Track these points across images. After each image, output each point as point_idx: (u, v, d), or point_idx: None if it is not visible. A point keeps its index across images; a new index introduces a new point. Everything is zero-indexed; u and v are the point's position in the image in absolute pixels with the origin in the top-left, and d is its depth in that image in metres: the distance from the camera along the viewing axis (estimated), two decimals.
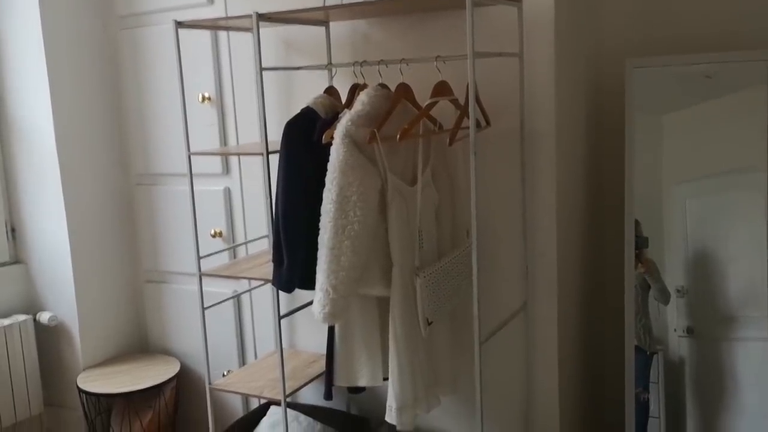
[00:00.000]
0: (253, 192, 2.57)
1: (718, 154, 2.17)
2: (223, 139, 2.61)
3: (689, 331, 2.19)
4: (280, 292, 2.01)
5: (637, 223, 2.21)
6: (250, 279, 2.19)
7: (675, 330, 2.21)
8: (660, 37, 2.33)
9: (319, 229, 1.80)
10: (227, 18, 2.28)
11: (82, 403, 2.66)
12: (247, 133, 2.55)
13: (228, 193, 2.64)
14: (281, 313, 2.07)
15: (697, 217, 2.19)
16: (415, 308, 1.85)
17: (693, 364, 2.19)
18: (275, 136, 1.97)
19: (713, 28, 2.25)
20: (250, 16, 1.92)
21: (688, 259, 2.20)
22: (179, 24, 2.08)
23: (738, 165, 2.14)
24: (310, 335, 2.51)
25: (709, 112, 2.17)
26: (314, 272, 1.83)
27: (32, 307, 2.82)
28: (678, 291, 2.21)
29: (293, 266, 1.92)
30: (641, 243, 2.22)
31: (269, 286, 2.06)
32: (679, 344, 2.20)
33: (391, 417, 1.89)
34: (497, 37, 1.99)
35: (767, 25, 2.18)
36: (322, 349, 2.14)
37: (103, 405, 2.69)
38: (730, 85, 2.13)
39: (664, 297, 2.22)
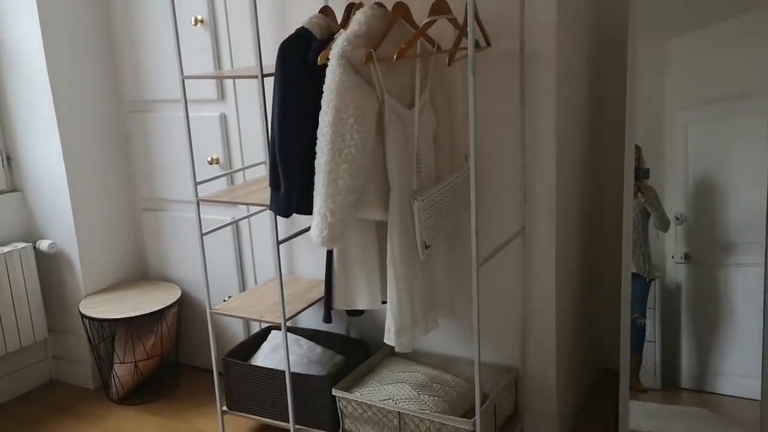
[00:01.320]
0: (250, 117, 2.54)
1: (721, 79, 2.12)
2: (218, 63, 2.56)
3: (687, 257, 2.20)
4: (278, 217, 2.01)
5: (638, 149, 2.18)
6: (247, 204, 2.18)
7: (672, 257, 2.22)
8: None
9: (316, 153, 1.78)
10: None
11: (86, 329, 2.70)
12: (242, 57, 2.49)
13: (224, 118, 2.60)
14: (280, 239, 2.07)
15: (698, 144, 2.17)
16: (412, 232, 1.85)
17: (690, 290, 2.20)
18: (270, 60, 1.93)
19: None
20: None
21: (687, 187, 2.19)
22: None
23: (741, 90, 2.10)
24: (309, 261, 2.53)
25: (713, 35, 2.11)
26: (312, 196, 1.82)
27: (31, 235, 2.82)
28: (677, 218, 2.20)
29: (290, 190, 1.91)
30: (642, 174, 2.20)
31: (267, 212, 2.05)
32: (676, 270, 2.21)
33: (389, 339, 1.92)
34: None
35: None
36: (321, 275, 2.15)
37: (106, 330, 2.73)
38: (736, 5, 2.07)
39: (664, 225, 2.21)
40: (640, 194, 2.19)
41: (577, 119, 2.28)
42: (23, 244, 2.72)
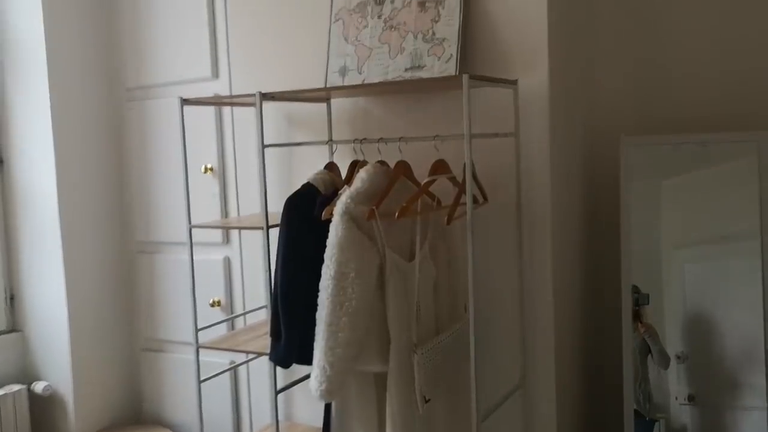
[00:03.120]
0: (253, 262, 2.59)
1: (713, 220, 2.20)
2: (224, 209, 2.64)
3: (691, 398, 2.17)
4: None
5: (635, 288, 2.23)
6: (247, 353, 2.18)
7: (676, 398, 2.19)
8: (653, 114, 2.39)
9: (317, 305, 1.81)
10: (231, 96, 2.34)
11: None
12: (248, 204, 2.58)
13: (228, 262, 2.66)
14: (278, 387, 2.05)
15: (696, 282, 2.20)
16: (412, 385, 1.83)
17: None
18: (275, 207, 2.00)
19: (705, 107, 2.31)
20: (253, 95, 1.98)
21: (687, 325, 2.21)
22: (185, 101, 2.14)
23: (733, 232, 2.17)
24: (306, 407, 2.49)
25: (703, 179, 2.21)
26: (312, 348, 1.83)
27: (27, 376, 2.79)
28: (678, 357, 2.20)
29: (291, 342, 1.92)
30: (642, 300, 2.22)
31: (267, 358, 2.05)
32: (681, 412, 2.18)
33: None
34: (493, 117, 2.04)
35: (756, 108, 2.24)
36: (319, 422, 2.11)
37: None
38: (723, 155, 2.18)
39: (664, 360, 2.21)
40: (639, 324, 2.20)
41: (574, 267, 2.33)
42: (18, 387, 2.68)
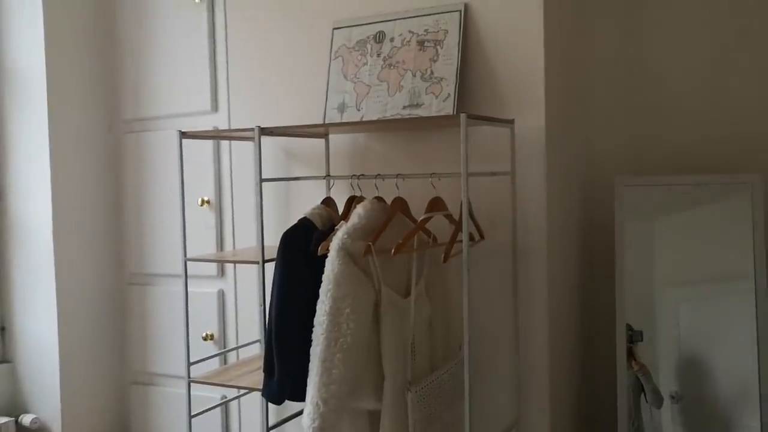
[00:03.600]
0: (247, 295, 2.58)
1: (707, 260, 2.22)
2: (220, 242, 2.64)
3: None
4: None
5: (629, 326, 2.23)
6: (239, 388, 2.16)
7: None
8: (648, 155, 2.42)
9: (311, 341, 1.80)
10: (230, 130, 2.36)
11: None
12: (244, 237, 2.58)
13: (222, 295, 2.65)
14: (270, 424, 2.03)
15: (690, 321, 2.21)
16: (405, 422, 1.82)
17: None
18: (272, 241, 2.00)
19: (698, 149, 2.35)
20: (252, 130, 1.99)
21: (681, 364, 2.20)
22: (183, 134, 2.16)
23: (727, 272, 2.18)
24: None
25: (697, 220, 2.23)
26: (305, 384, 1.81)
27: (16, 407, 2.75)
28: (672, 397, 2.19)
29: (284, 377, 1.91)
30: (636, 337, 2.22)
31: (259, 393, 2.04)
32: None
33: None
34: (490, 155, 2.06)
35: (748, 151, 2.28)
36: None
37: None
38: (716, 197, 2.20)
39: (657, 400, 2.20)
40: (633, 362, 2.20)
41: (569, 306, 2.33)
42: (5, 419, 2.64)
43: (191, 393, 2.22)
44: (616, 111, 2.46)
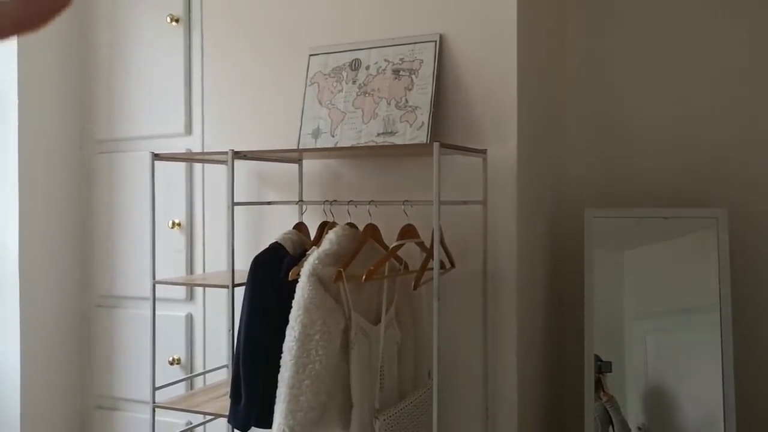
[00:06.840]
0: (216, 319, 2.55)
1: (674, 293, 2.24)
2: (190, 265, 2.61)
3: None
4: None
5: (597, 358, 2.24)
6: (205, 414, 2.12)
7: None
8: (617, 188, 2.46)
9: (279, 367, 1.78)
10: (203, 153, 2.35)
11: None
12: (215, 261, 2.56)
13: (190, 319, 2.61)
14: None
15: (657, 353, 2.23)
16: None
17: None
18: (242, 265, 1.99)
19: (667, 183, 2.39)
20: (226, 153, 1.99)
21: (648, 396, 2.22)
22: (156, 156, 2.14)
23: (693, 305, 2.21)
24: None
25: (665, 252, 2.26)
26: (272, 410, 1.79)
27: None
28: (639, 429, 2.20)
29: (251, 404, 1.88)
30: (605, 367, 2.23)
31: (225, 419, 2.00)
32: None
33: None
34: (463, 184, 2.08)
35: (715, 185, 2.33)
36: None
37: None
38: (684, 229, 2.24)
39: (625, 431, 2.21)
40: (602, 392, 2.21)
41: (538, 334, 2.34)
42: None
43: (156, 418, 2.18)
44: (588, 143, 2.51)
